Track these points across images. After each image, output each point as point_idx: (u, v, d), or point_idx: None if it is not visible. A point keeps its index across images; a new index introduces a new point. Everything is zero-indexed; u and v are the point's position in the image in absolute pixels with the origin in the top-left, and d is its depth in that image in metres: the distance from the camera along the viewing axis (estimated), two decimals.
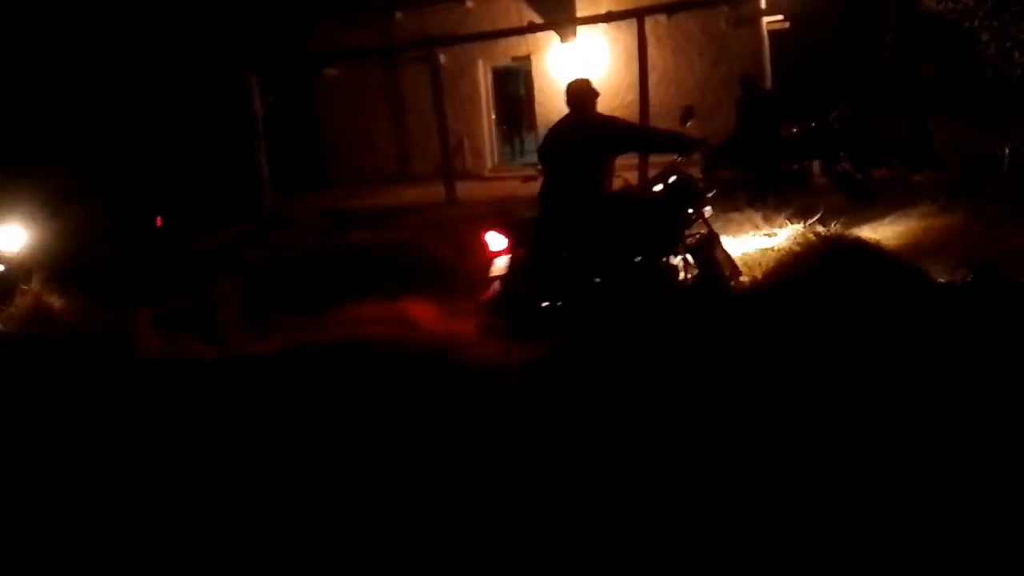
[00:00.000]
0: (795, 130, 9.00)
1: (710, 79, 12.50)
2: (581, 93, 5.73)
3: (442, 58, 12.88)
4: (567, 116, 5.79)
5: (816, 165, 9.19)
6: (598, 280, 5.47)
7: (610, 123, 5.75)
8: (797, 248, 5.70)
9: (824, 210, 6.67)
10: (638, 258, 5.53)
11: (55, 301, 6.82)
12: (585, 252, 5.46)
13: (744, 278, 5.64)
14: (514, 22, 13.03)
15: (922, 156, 8.76)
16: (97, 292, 7.21)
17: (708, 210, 5.76)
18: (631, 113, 11.51)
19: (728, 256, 5.68)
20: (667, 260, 5.58)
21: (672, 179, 5.68)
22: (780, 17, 12.49)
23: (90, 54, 12.46)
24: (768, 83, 12.11)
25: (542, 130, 13.61)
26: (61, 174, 8.94)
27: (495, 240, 5.58)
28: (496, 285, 5.56)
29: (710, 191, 5.94)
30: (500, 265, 5.58)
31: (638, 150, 5.86)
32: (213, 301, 7.07)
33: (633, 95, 11.15)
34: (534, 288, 5.51)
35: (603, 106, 6.14)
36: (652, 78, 11.32)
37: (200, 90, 13.44)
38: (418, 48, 13.00)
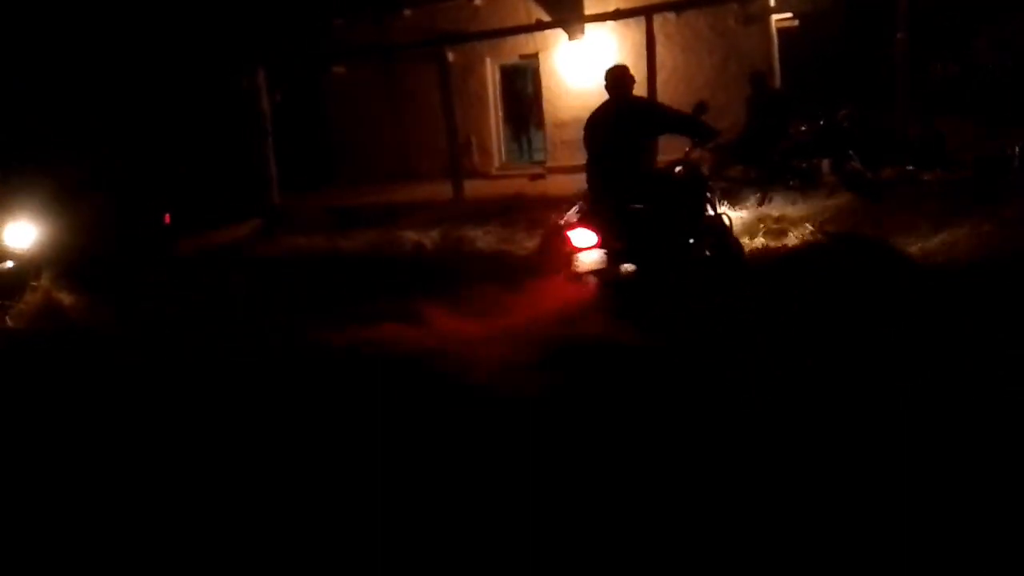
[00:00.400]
0: (804, 128, 8.97)
1: (719, 77, 12.47)
2: (621, 78, 6.04)
3: (450, 56, 12.87)
4: (607, 100, 6.07)
5: (826, 164, 9.15)
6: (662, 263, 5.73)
7: (648, 104, 6.01)
8: (804, 245, 5.74)
9: (833, 208, 6.68)
10: (691, 239, 5.83)
11: (64, 297, 6.87)
12: (648, 236, 5.71)
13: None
14: (522, 20, 13.02)
15: (932, 155, 8.72)
16: (106, 288, 7.25)
17: (708, 195, 6.11)
18: None
19: (736, 239, 6.05)
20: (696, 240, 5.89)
21: (678, 168, 6.02)
22: (789, 15, 12.45)
23: (98, 50, 12.50)
24: (777, 81, 12.07)
25: (550, 128, 13.65)
26: (70, 171, 8.97)
27: (582, 237, 5.67)
28: (592, 279, 5.68)
29: (710, 178, 6.42)
30: (592, 259, 5.68)
31: (671, 131, 6.19)
32: (221, 298, 7.09)
33: (642, 93, 11.10)
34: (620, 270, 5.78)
35: None
36: (661, 76, 11.29)
37: (209, 88, 13.47)
38: (426, 46, 12.99)
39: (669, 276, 5.64)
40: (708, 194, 6.03)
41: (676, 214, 5.76)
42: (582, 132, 6.24)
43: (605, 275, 5.67)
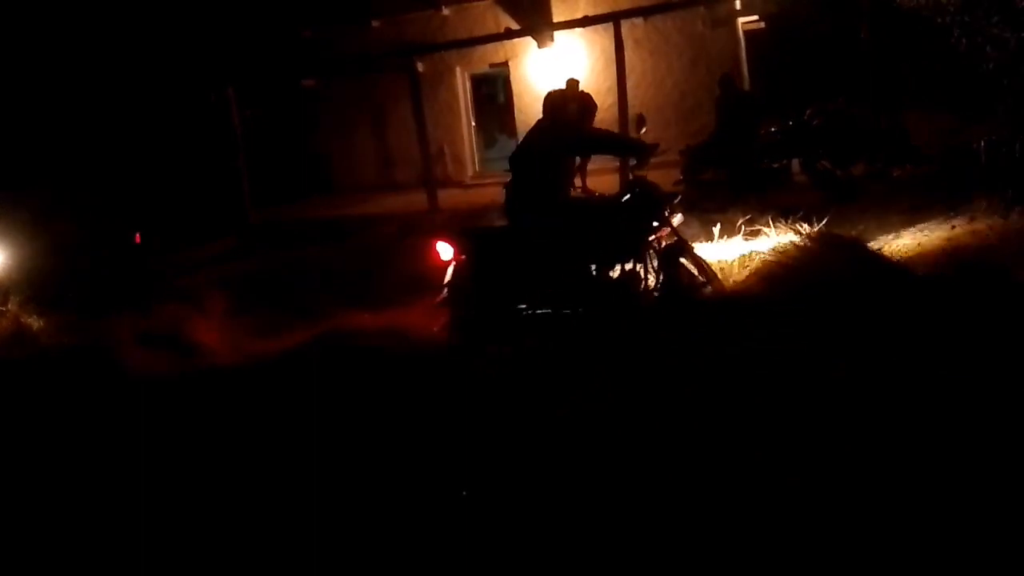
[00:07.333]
0: (773, 129, 9.02)
1: (689, 80, 12.54)
2: (552, 103, 5.86)
3: (420, 66, 12.84)
4: (538, 122, 5.93)
5: (796, 163, 9.20)
6: (550, 288, 5.58)
7: (575, 128, 5.92)
8: (779, 250, 5.71)
9: (805, 208, 6.69)
10: (593, 265, 5.60)
11: (34, 322, 6.76)
12: (540, 259, 5.56)
13: (724, 281, 5.69)
14: (491, 29, 13.02)
15: (900, 151, 8.79)
16: (77, 310, 7.14)
17: (679, 217, 5.84)
18: (611, 116, 11.54)
19: (700, 262, 5.72)
20: (632, 268, 5.62)
21: (636, 189, 5.78)
22: (755, 17, 12.54)
23: (66, 70, 12.35)
24: (746, 83, 12.15)
25: (522, 136, 13.66)
26: (38, 193, 8.85)
27: (443, 250, 5.74)
28: (445, 292, 5.72)
29: (675, 198, 6.09)
30: (449, 273, 5.73)
31: (602, 153, 6.10)
32: (197, 315, 7.01)
33: (612, 98, 11.16)
34: (482, 295, 5.66)
35: None
36: (631, 80, 11.34)
37: (181, 104, 13.35)
38: (396, 56, 12.96)
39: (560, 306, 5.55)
40: (677, 216, 5.78)
41: (592, 242, 5.57)
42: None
43: (453, 289, 5.66)
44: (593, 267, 5.59)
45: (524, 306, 5.66)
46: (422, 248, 6.28)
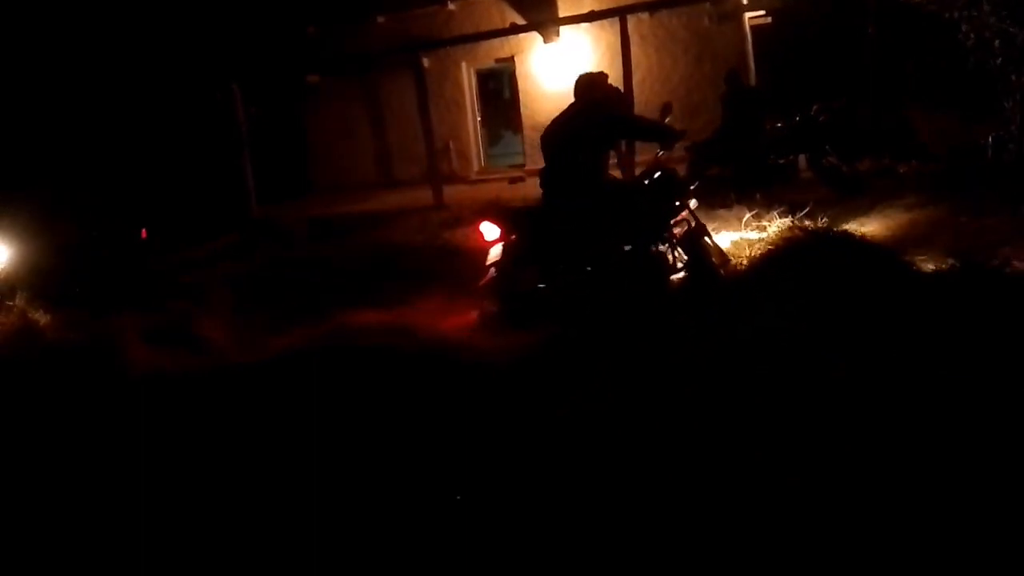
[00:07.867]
0: (780, 125, 9.00)
1: (694, 76, 12.50)
2: (587, 85, 5.98)
3: (425, 61, 12.85)
4: (571, 105, 6.00)
5: (802, 159, 9.18)
6: (589, 268, 5.67)
7: (612, 112, 5.99)
8: (783, 242, 5.74)
9: (812, 204, 6.71)
10: (628, 246, 5.72)
11: (40, 317, 6.78)
12: (577, 239, 5.66)
13: (732, 266, 5.80)
14: (496, 24, 13.00)
15: (906, 147, 8.78)
16: (83, 306, 7.18)
17: (693, 202, 5.99)
18: None
19: (717, 246, 5.90)
20: (656, 249, 5.75)
21: (657, 173, 5.93)
22: (762, 12, 12.50)
23: (71, 66, 12.38)
24: (752, 79, 12.11)
25: (527, 131, 13.63)
26: (44, 188, 8.88)
27: (489, 230, 5.81)
28: (492, 272, 5.80)
29: (693, 183, 6.26)
30: (494, 253, 5.81)
31: (636, 138, 6.17)
32: (201, 312, 7.03)
33: None
34: (527, 275, 5.74)
35: None
36: (636, 76, 11.31)
37: (184, 102, 13.38)
38: (401, 52, 12.96)
39: (599, 285, 5.58)
40: (692, 200, 5.91)
41: (628, 223, 5.67)
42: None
43: (501, 269, 5.72)
44: (627, 247, 5.70)
45: (562, 285, 5.73)
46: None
